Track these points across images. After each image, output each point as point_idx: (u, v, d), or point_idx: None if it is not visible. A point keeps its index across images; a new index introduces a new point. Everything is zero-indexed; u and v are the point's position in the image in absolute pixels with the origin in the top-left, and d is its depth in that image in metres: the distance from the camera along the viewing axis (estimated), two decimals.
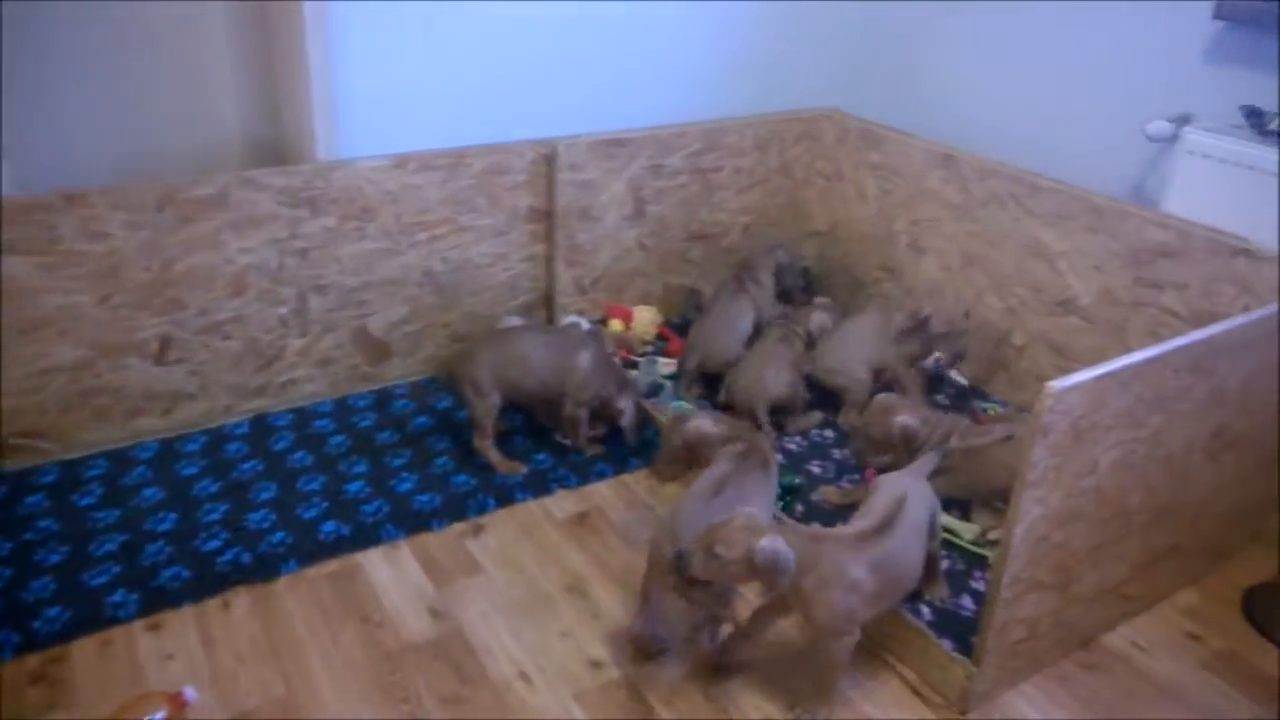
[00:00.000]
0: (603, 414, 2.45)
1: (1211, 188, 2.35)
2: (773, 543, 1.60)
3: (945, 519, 2.22)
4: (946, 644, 1.84)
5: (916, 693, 1.85)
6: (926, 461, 2.03)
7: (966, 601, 2.02)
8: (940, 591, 2.00)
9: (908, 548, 1.78)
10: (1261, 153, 2.25)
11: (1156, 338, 2.35)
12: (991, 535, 2.19)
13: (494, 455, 2.37)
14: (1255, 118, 2.35)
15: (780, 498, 2.23)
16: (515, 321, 2.58)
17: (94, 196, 2.21)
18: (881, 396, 2.32)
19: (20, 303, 2.21)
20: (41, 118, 2.40)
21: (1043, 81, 2.95)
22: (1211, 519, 2.08)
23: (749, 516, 1.66)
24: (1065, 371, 2.54)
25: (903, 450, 2.21)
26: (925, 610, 1.98)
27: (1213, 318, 2.24)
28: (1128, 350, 2.39)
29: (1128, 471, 1.79)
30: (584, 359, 2.38)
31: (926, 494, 1.91)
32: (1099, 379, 1.60)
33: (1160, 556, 2.01)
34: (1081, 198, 2.48)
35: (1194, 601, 2.11)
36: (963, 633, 1.90)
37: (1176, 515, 1.97)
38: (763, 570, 1.60)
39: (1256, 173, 2.25)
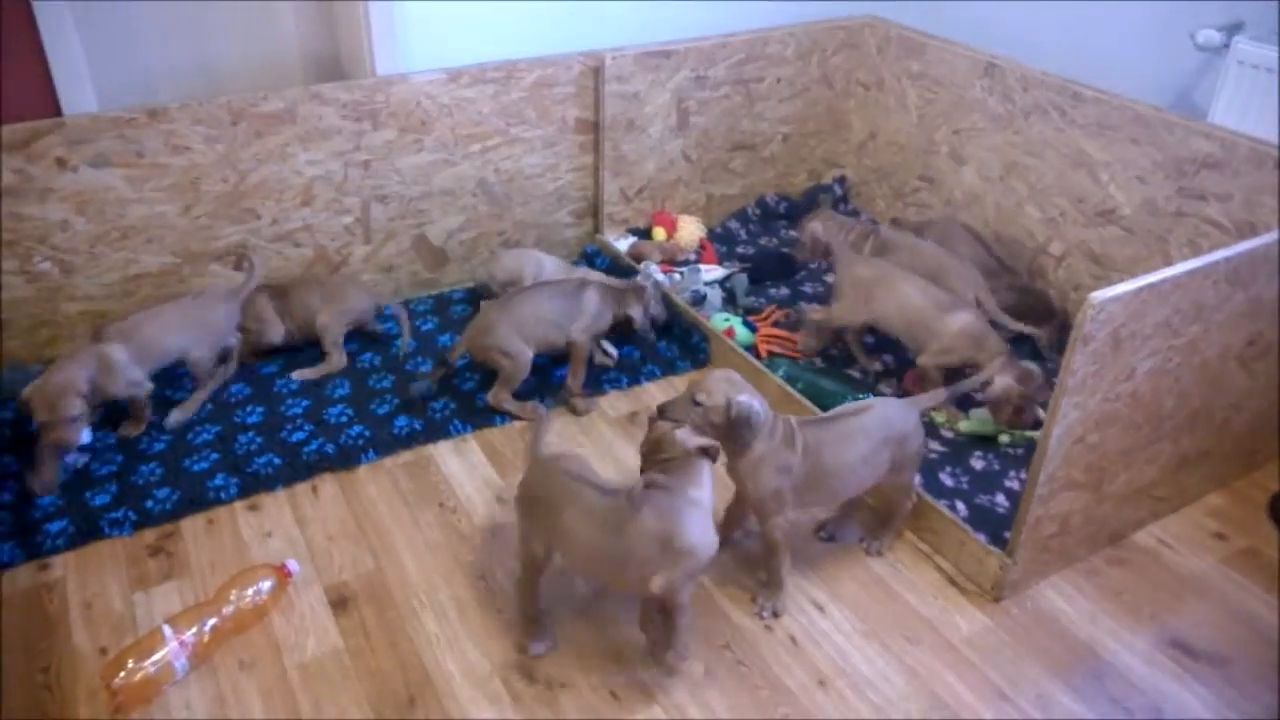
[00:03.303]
0: (619, 327, 2.53)
1: (1260, 98, 2.37)
2: (750, 398, 1.74)
3: (975, 417, 2.34)
4: (981, 538, 1.97)
5: (953, 582, 1.99)
6: (930, 397, 2.04)
7: (1001, 499, 2.15)
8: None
9: (843, 448, 1.84)
10: None
11: (1197, 249, 2.42)
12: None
13: (512, 405, 2.38)
14: None
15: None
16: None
17: (175, 112, 2.31)
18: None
19: (112, 212, 2.34)
20: (119, 38, 2.48)
21: None
22: (1242, 425, 2.17)
23: (729, 373, 1.79)
24: (1104, 282, 2.65)
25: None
26: (961, 506, 2.11)
27: (1254, 229, 2.29)
28: (1168, 261, 2.49)
29: (1163, 378, 1.88)
30: (590, 299, 2.42)
31: (905, 422, 1.91)
32: (1140, 290, 1.68)
33: (1191, 460, 2.12)
34: (1125, 107, 2.50)
35: (1221, 504, 2.22)
36: (996, 528, 2.03)
37: (1208, 420, 2.07)
38: (736, 422, 1.72)
39: None
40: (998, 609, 1.93)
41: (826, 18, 3.22)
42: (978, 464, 2.26)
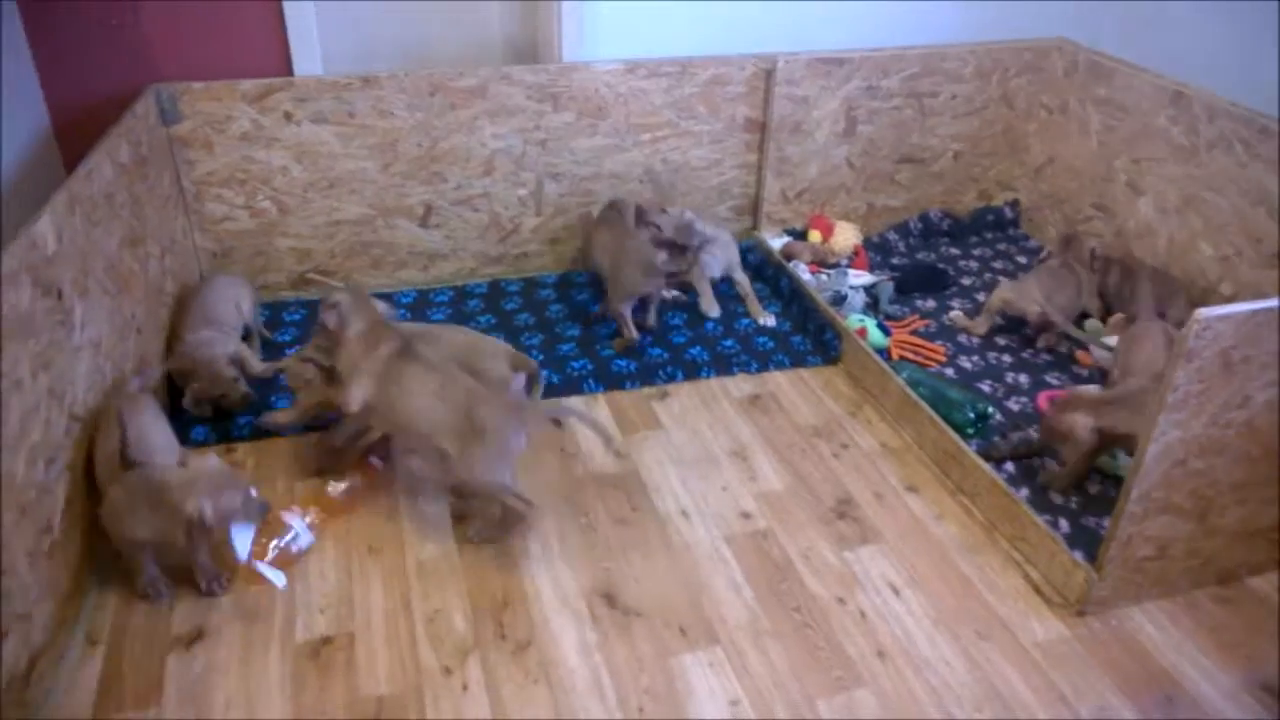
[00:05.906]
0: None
1: None
2: (340, 299, 2.05)
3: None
4: (1078, 554, 1.97)
5: (1038, 591, 2.00)
6: None
7: (1107, 522, 2.12)
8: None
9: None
10: None
11: None
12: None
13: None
14: None
15: (972, 424, 2.37)
16: None
17: (384, 80, 2.67)
18: None
19: (324, 163, 2.73)
20: (346, 15, 2.88)
21: None
22: None
23: (349, 289, 2.08)
24: None
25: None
26: (1064, 524, 2.11)
27: None
28: None
29: None
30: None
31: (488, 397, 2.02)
32: (1256, 313, 1.65)
33: None
34: None
35: None
36: (1094, 548, 2.01)
37: None
38: (336, 325, 2.03)
39: None
40: (1078, 621, 1.93)
41: (1011, 38, 3.21)
42: (1093, 489, 2.24)
